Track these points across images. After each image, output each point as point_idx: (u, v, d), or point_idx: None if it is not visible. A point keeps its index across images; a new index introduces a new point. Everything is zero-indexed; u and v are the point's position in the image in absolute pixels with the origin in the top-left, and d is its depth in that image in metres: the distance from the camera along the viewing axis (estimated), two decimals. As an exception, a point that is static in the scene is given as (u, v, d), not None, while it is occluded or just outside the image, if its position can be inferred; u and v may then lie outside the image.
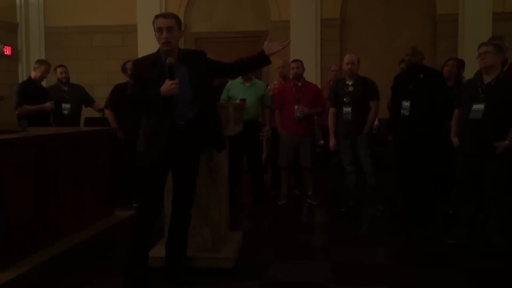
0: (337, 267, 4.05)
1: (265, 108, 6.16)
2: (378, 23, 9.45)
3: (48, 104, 6.42)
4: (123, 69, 6.31)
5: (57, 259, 3.81)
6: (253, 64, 3.85)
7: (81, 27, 10.03)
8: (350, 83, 5.72)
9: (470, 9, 8.89)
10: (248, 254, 4.28)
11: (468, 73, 6.26)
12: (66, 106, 6.82)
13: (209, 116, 3.57)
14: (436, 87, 5.25)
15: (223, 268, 3.80)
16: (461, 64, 6.24)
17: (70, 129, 4.95)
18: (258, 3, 9.78)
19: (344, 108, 5.71)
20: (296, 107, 6.07)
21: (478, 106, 4.38)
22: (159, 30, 3.41)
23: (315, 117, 6.42)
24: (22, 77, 9.64)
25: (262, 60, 3.69)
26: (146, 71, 3.46)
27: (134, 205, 5.33)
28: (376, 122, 6.25)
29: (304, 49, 8.92)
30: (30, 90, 6.46)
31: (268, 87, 6.67)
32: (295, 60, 6.32)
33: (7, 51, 9.75)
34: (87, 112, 7.46)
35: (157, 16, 3.48)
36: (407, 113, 5.28)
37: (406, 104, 5.29)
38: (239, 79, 5.97)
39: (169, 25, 3.39)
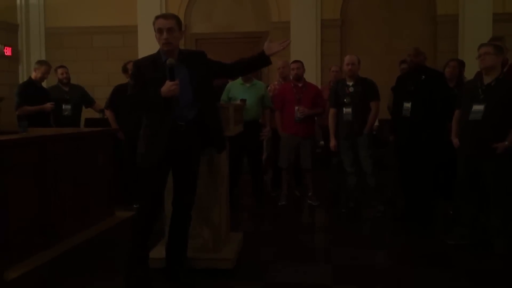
0: (338, 267, 4.05)
1: (266, 108, 6.16)
2: (378, 23, 9.45)
3: (49, 105, 6.42)
4: (124, 69, 6.31)
5: (58, 260, 3.81)
6: (254, 65, 3.85)
7: (82, 27, 10.03)
8: (350, 83, 5.72)
9: (470, 10, 8.89)
10: (249, 254, 4.28)
11: (468, 74, 6.26)
12: (66, 107, 6.83)
13: (210, 117, 3.57)
14: (438, 88, 5.25)
15: (224, 269, 3.81)
16: (461, 65, 6.25)
17: (70, 130, 4.95)
18: (258, 4, 9.78)
19: (344, 109, 5.71)
20: (296, 108, 6.07)
21: (478, 107, 4.38)
22: (159, 31, 3.41)
23: (316, 118, 6.43)
24: (22, 78, 9.63)
25: (262, 60, 3.69)
26: (146, 71, 3.46)
27: (134, 206, 5.34)
28: (376, 123, 6.25)
29: (304, 49, 8.92)
30: (31, 91, 6.46)
31: (269, 87, 6.67)
32: (296, 61, 6.32)
33: (8, 51, 9.74)
34: (87, 113, 7.46)
35: (157, 17, 3.48)
36: (408, 114, 5.28)
37: (407, 105, 5.29)
38: (239, 80, 5.97)
39: (169, 26, 3.39)
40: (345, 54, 6.99)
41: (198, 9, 9.94)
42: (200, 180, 3.70)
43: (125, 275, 3.57)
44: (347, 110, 5.69)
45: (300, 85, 6.20)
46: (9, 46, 9.78)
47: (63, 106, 6.80)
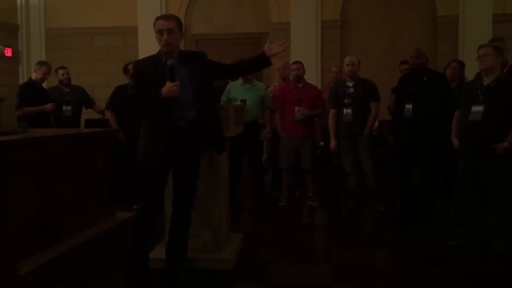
0: (338, 268, 4.05)
1: (266, 109, 6.16)
2: (378, 24, 9.46)
3: (49, 106, 6.43)
4: (125, 70, 6.30)
5: (58, 260, 3.81)
6: (254, 65, 3.85)
7: (82, 28, 10.03)
8: (350, 84, 5.73)
9: (470, 11, 8.89)
10: (249, 255, 4.29)
11: (468, 75, 6.27)
12: (67, 108, 6.83)
13: (210, 117, 3.58)
14: (440, 89, 5.25)
15: (224, 270, 3.81)
16: (462, 66, 6.26)
17: (70, 131, 4.95)
18: (259, 5, 9.79)
19: (344, 110, 5.71)
20: (296, 108, 6.07)
21: (478, 108, 4.38)
22: (160, 32, 3.42)
23: (316, 119, 6.43)
24: (22, 79, 9.64)
25: (262, 61, 3.70)
26: (146, 72, 3.46)
27: (134, 206, 5.34)
28: (377, 124, 6.25)
29: (304, 50, 8.93)
30: (31, 92, 6.47)
31: (269, 88, 6.68)
32: (296, 62, 6.32)
33: (8, 52, 9.74)
34: (87, 114, 7.47)
35: (157, 18, 3.48)
36: (410, 116, 5.28)
37: (408, 106, 5.30)
38: (239, 81, 5.98)
39: (170, 27, 3.40)
40: (345, 55, 7.00)
41: (198, 10, 9.95)
42: (200, 181, 3.71)
43: (125, 275, 3.57)
44: (347, 111, 5.69)
45: (300, 86, 6.20)
46: (9, 47, 9.79)
47: (64, 107, 6.80)
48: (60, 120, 6.70)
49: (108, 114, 6.33)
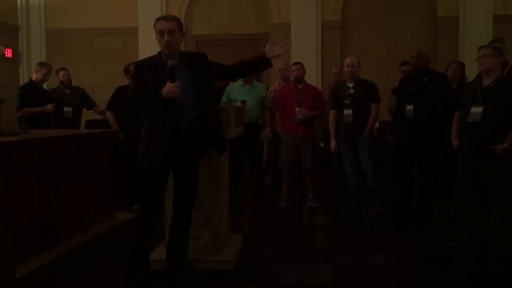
0: (338, 269, 4.05)
1: (266, 110, 6.16)
2: (378, 25, 9.46)
3: (49, 106, 6.42)
4: (126, 71, 6.29)
5: (58, 261, 3.82)
6: (254, 67, 3.86)
7: (82, 29, 10.04)
8: (351, 85, 5.73)
9: (470, 12, 8.90)
10: (249, 256, 4.28)
11: (469, 76, 6.27)
12: (67, 109, 6.82)
13: (210, 118, 3.58)
14: (441, 90, 5.25)
15: (224, 271, 3.80)
16: (463, 67, 6.25)
17: (71, 132, 4.96)
18: (259, 6, 9.79)
19: (344, 111, 5.71)
20: (297, 109, 6.07)
21: (477, 109, 4.38)
22: (160, 33, 3.42)
23: (316, 120, 6.43)
24: (23, 80, 9.64)
25: (263, 63, 3.70)
26: (147, 73, 3.46)
27: (135, 207, 5.34)
28: (377, 125, 6.25)
29: (305, 51, 8.93)
30: (31, 93, 6.46)
31: (269, 89, 6.68)
32: (296, 63, 6.32)
33: (8, 53, 9.76)
34: (88, 115, 7.47)
35: (158, 19, 3.48)
36: (411, 116, 5.28)
37: (409, 107, 5.30)
38: (240, 82, 5.98)
39: (170, 28, 3.40)
40: (345, 55, 7.02)
41: (199, 11, 9.96)
42: (200, 182, 3.70)
43: (125, 276, 3.57)
44: (347, 111, 5.69)
45: (300, 86, 6.20)
46: (10, 47, 9.80)
47: (64, 108, 6.80)
48: (60, 121, 6.70)
49: (109, 115, 6.33)
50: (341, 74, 6.88)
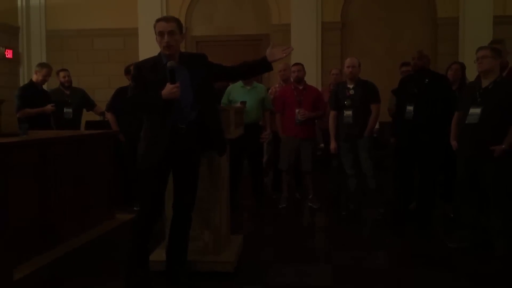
0: (338, 270, 4.05)
1: (266, 111, 6.17)
2: (378, 26, 9.45)
3: (49, 107, 6.42)
4: (127, 71, 6.29)
5: (58, 262, 3.82)
6: (255, 69, 3.88)
7: (82, 30, 10.03)
8: (351, 86, 5.73)
9: (470, 12, 8.89)
10: (249, 257, 4.29)
11: (469, 77, 6.26)
12: (68, 110, 6.82)
13: (210, 119, 3.58)
14: (442, 91, 5.25)
15: (224, 272, 3.80)
16: (464, 67, 6.25)
17: (71, 132, 4.96)
18: (259, 7, 9.79)
19: (345, 111, 5.72)
20: (297, 110, 6.07)
21: (475, 110, 4.39)
22: (160, 34, 3.42)
23: (316, 120, 6.43)
24: (23, 80, 9.63)
25: (264, 66, 3.71)
26: (147, 74, 3.46)
27: (135, 208, 5.34)
28: (377, 126, 6.25)
29: (305, 52, 8.90)
30: (31, 93, 6.46)
31: (270, 90, 6.69)
32: (296, 64, 6.32)
33: (9, 54, 9.75)
34: (88, 115, 7.46)
35: (158, 20, 3.48)
36: (411, 117, 5.28)
37: (410, 108, 5.30)
38: (240, 83, 5.98)
39: (170, 29, 3.40)
40: (345, 56, 7.02)
41: (199, 12, 9.95)
42: (200, 183, 3.71)
43: (125, 276, 3.57)
44: (347, 112, 5.69)
45: (300, 87, 6.20)
46: (10, 48, 9.79)
47: (65, 109, 6.79)
48: (60, 122, 6.70)
49: (109, 116, 6.33)
50: (341, 75, 6.87)
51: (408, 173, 5.49)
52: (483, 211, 4.63)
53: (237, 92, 5.97)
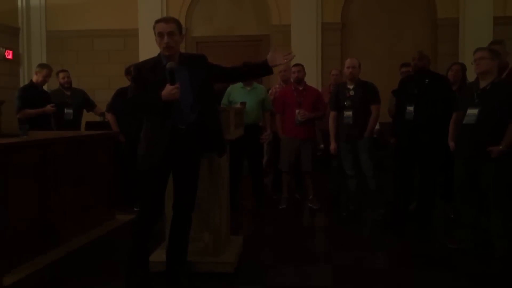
0: (338, 270, 4.05)
1: (266, 111, 6.17)
2: (379, 27, 9.45)
3: (49, 107, 6.41)
4: (128, 72, 6.29)
5: (59, 263, 3.82)
6: (255, 72, 3.90)
7: (83, 31, 10.03)
8: (351, 87, 5.73)
9: (471, 13, 8.90)
10: (249, 258, 4.28)
11: (470, 77, 6.26)
12: (68, 111, 6.81)
13: (210, 120, 3.58)
14: (442, 91, 5.25)
15: (224, 273, 3.80)
16: (464, 68, 6.25)
17: (71, 133, 4.97)
18: (259, 7, 9.79)
19: (345, 112, 5.71)
20: (297, 111, 6.07)
21: (472, 111, 4.40)
22: (160, 35, 3.42)
23: (316, 121, 6.43)
24: (23, 81, 9.64)
25: (264, 69, 3.70)
26: (147, 75, 3.46)
27: (135, 209, 5.34)
28: (377, 126, 6.25)
29: (305, 53, 8.87)
30: (32, 94, 6.46)
31: (270, 91, 6.69)
32: (296, 64, 6.31)
33: (9, 55, 9.75)
34: (88, 116, 7.46)
35: (157, 21, 3.48)
36: (411, 118, 5.28)
37: (410, 108, 5.30)
38: (240, 84, 5.98)
39: (170, 29, 3.40)
40: (345, 57, 7.01)
41: (199, 12, 9.95)
42: (200, 184, 3.71)
43: (126, 278, 3.57)
44: (347, 113, 5.69)
45: (300, 88, 6.20)
46: (10, 49, 9.79)
47: (65, 110, 6.78)
48: (61, 122, 6.70)
49: (109, 117, 6.33)
50: (341, 76, 6.88)
51: (408, 173, 5.48)
52: (483, 212, 4.63)
53: (237, 93, 5.97)
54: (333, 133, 5.88)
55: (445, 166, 5.43)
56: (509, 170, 4.33)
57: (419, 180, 5.41)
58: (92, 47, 10.19)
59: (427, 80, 5.30)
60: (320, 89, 7.44)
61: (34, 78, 6.64)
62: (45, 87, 6.88)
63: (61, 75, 6.96)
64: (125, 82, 6.27)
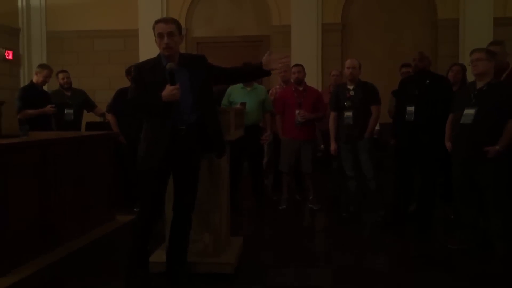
0: (338, 271, 4.05)
1: (266, 112, 6.17)
2: (379, 27, 9.46)
3: (49, 108, 6.41)
4: (128, 73, 6.28)
5: (59, 264, 3.82)
6: (254, 74, 3.92)
7: (83, 31, 10.04)
8: (351, 87, 5.73)
9: (471, 14, 8.90)
10: (249, 258, 4.28)
11: (470, 78, 6.26)
12: (69, 111, 6.80)
13: (210, 121, 3.58)
14: (443, 92, 5.25)
15: (224, 273, 3.80)
16: (464, 69, 6.25)
17: (71, 134, 4.97)
18: (259, 8, 9.79)
19: (345, 113, 5.71)
20: (297, 111, 6.07)
21: (469, 111, 4.41)
22: (159, 35, 3.42)
23: (316, 122, 6.43)
24: (23, 82, 9.63)
25: (262, 71, 3.71)
26: (147, 75, 3.47)
27: (135, 209, 5.34)
28: (378, 127, 6.25)
29: (305, 53, 8.92)
30: (32, 95, 6.46)
31: (270, 91, 6.69)
32: (296, 65, 6.32)
33: (9, 55, 9.75)
34: (88, 117, 7.46)
35: (157, 22, 3.48)
36: (412, 118, 5.28)
37: (410, 109, 5.30)
38: (240, 84, 5.97)
39: (169, 30, 3.40)
40: (346, 58, 7.00)
41: (199, 13, 9.95)
42: (200, 184, 3.71)
43: (126, 277, 3.57)
44: (347, 114, 5.69)
45: (301, 89, 6.20)
46: (10, 49, 9.80)
47: (66, 111, 6.78)
48: (61, 123, 6.69)
49: (109, 117, 6.33)
50: (341, 76, 6.88)
51: (408, 174, 5.48)
52: (483, 212, 4.63)
53: (238, 94, 5.97)
54: (333, 134, 5.88)
55: (445, 166, 5.43)
56: (508, 170, 4.33)
57: (419, 181, 5.41)
58: (92, 48, 10.20)
59: (428, 81, 5.30)
60: (320, 90, 7.45)
61: (34, 79, 6.64)
62: (45, 88, 6.88)
63: (60, 75, 6.95)
64: (126, 83, 6.25)
